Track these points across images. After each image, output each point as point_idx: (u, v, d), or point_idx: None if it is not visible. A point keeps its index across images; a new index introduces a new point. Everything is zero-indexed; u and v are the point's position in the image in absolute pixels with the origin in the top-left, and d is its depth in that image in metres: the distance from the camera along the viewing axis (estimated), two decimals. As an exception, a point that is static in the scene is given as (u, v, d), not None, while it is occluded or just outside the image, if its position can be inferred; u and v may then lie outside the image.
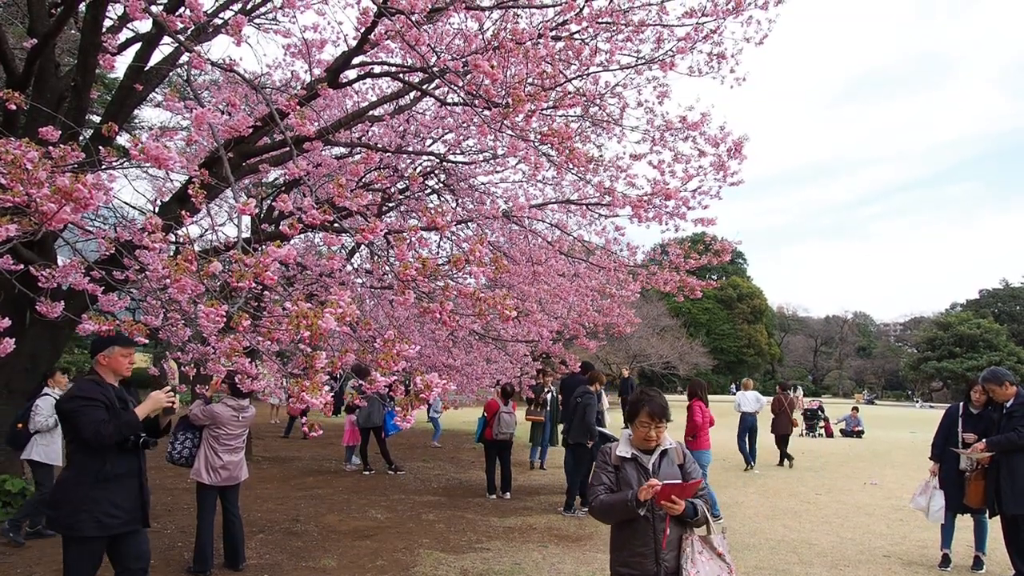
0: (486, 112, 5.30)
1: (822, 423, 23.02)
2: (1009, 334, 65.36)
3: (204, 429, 6.26)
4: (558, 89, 6.46)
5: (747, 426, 14.34)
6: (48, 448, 7.36)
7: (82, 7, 6.79)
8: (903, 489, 11.39)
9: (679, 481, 3.55)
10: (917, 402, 61.72)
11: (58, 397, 7.48)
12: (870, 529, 8.71)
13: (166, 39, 7.27)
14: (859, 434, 22.43)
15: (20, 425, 7.39)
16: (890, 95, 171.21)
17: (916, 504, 7.25)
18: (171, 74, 9.47)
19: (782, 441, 15.03)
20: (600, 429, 9.63)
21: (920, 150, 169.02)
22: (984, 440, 6.51)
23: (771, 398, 15.72)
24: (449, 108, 8.04)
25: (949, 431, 7.07)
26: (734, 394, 15.44)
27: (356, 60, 6.27)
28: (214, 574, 6.10)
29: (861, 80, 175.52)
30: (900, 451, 18.06)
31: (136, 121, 18.76)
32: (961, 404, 7.14)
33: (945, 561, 6.99)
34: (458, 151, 9.48)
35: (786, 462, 14.89)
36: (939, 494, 6.95)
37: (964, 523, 7.07)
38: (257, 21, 8.52)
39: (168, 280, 2.77)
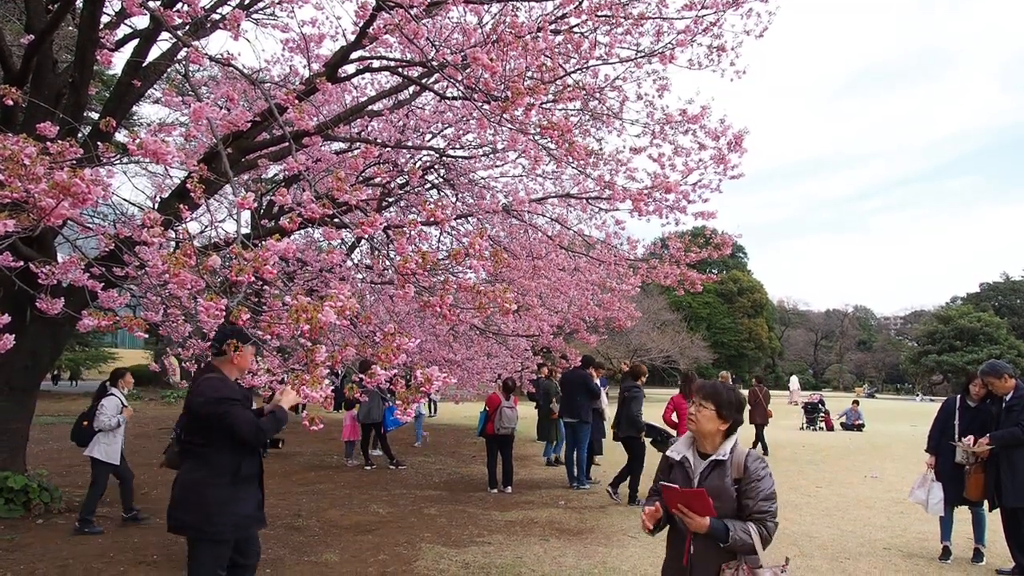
0: (485, 106, 5.29)
1: (822, 416, 23.05)
2: (1009, 327, 65.44)
3: None
4: (557, 83, 6.45)
5: None
6: (109, 447, 7.63)
7: (79, 3, 6.78)
8: (903, 482, 11.39)
9: (675, 486, 3.08)
10: (918, 395, 61.76)
11: (123, 397, 7.92)
12: (870, 522, 8.72)
13: (164, 35, 7.25)
14: (859, 427, 22.45)
15: (85, 423, 7.69)
16: (890, 89, 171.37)
17: (915, 498, 7.24)
18: (169, 70, 9.45)
19: (758, 429, 15.90)
20: (649, 422, 9.78)
21: (920, 144, 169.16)
22: (988, 435, 6.51)
23: (748, 390, 16.62)
24: (448, 103, 8.03)
25: (945, 424, 7.08)
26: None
27: (355, 55, 6.26)
28: (216, 569, 6.11)
29: (861, 74, 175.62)
30: (900, 444, 18.08)
31: (135, 118, 18.77)
32: (958, 397, 7.15)
33: (945, 553, 6.99)
34: (458, 146, 9.48)
35: (758, 448, 15.58)
36: (937, 487, 6.96)
37: (964, 515, 7.08)
38: (255, 16, 8.51)
39: (167, 275, 2.76)
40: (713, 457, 3.12)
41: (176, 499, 3.97)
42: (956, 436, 6.87)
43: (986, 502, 6.77)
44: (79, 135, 6.52)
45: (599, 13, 6.55)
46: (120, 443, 7.78)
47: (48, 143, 3.19)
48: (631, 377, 10.36)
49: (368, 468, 12.52)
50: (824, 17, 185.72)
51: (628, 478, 9.74)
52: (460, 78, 5.53)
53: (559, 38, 6.60)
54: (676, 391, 10.62)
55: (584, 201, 9.53)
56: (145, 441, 15.20)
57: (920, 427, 22.08)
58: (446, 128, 9.24)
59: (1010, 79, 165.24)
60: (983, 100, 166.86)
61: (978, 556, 6.89)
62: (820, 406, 23.33)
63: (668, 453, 3.25)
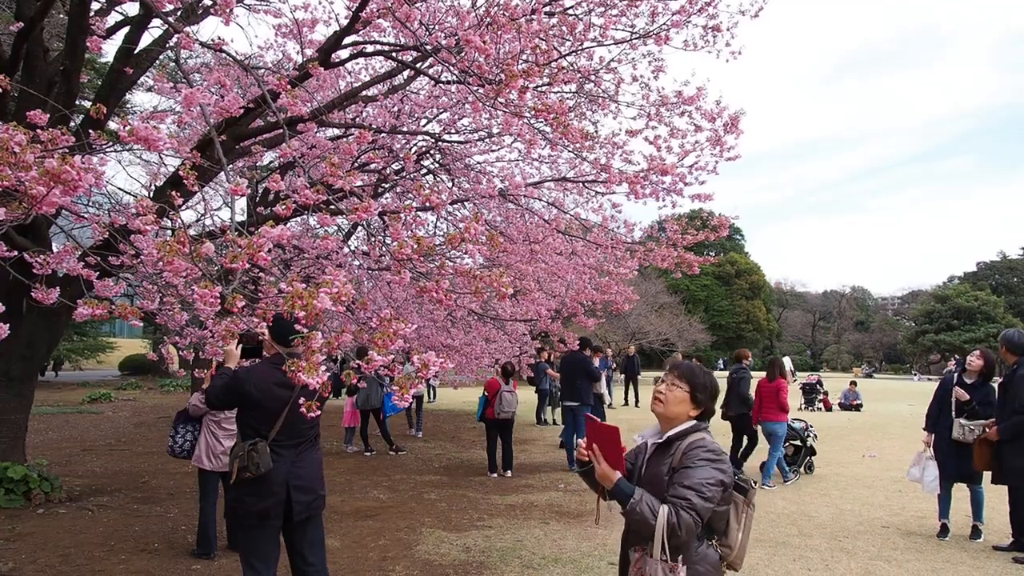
0: (479, 89, 5.25)
1: (821, 397, 23.16)
2: (1007, 306, 65.52)
3: (204, 416, 6.25)
4: (552, 65, 6.40)
5: None
6: None
7: (69, -11, 6.72)
8: (901, 461, 11.45)
9: (595, 419, 2.86)
10: (915, 375, 61.97)
11: None
12: (869, 500, 8.77)
13: (155, 21, 7.19)
14: (857, 407, 22.56)
15: None
16: (885, 69, 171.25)
17: (911, 476, 7.27)
18: (161, 57, 9.39)
19: None
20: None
21: (916, 125, 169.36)
22: (997, 427, 6.57)
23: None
24: (443, 87, 7.98)
25: (943, 401, 7.09)
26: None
27: (348, 39, 6.20)
28: (217, 556, 6.13)
29: (857, 54, 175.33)
30: (898, 423, 18.15)
31: (128, 106, 18.65)
32: (956, 375, 7.17)
33: (943, 531, 7.03)
34: (453, 130, 9.42)
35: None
36: (932, 465, 6.98)
37: (962, 493, 7.11)
38: (247, 2, 8.44)
39: (162, 263, 2.75)
40: (656, 440, 2.84)
41: (316, 478, 4.13)
42: (952, 410, 6.90)
43: (989, 475, 6.82)
44: (71, 123, 6.49)
45: (593, -6, 6.51)
46: None
47: (39, 131, 3.16)
48: (735, 360, 11.06)
49: (368, 454, 12.56)
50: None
51: (744, 454, 10.53)
52: (454, 62, 5.49)
53: (553, 20, 6.54)
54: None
55: (580, 184, 9.49)
56: (145, 430, 15.23)
57: (917, 406, 22.16)
58: (441, 113, 9.19)
59: (1003, 59, 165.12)
60: (977, 80, 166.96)
61: (976, 533, 6.94)
62: (818, 387, 23.42)
63: (635, 436, 3.00)
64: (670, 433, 2.80)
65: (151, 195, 7.24)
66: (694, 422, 2.82)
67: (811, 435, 10.79)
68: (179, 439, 6.21)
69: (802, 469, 10.53)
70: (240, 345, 4.26)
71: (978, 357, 6.99)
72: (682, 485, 2.60)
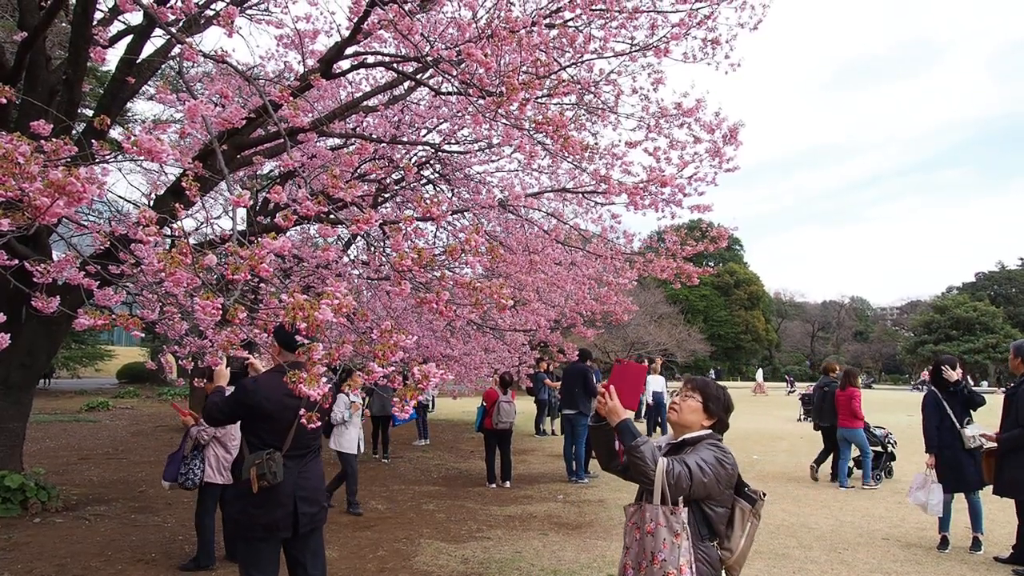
0: (480, 101, 5.27)
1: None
2: (1005, 316, 65.63)
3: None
4: (552, 77, 6.43)
5: (658, 401, 17.40)
6: (341, 438, 8.65)
7: (72, -1, 6.75)
8: (901, 471, 11.43)
9: (626, 360, 2.95)
10: (914, 385, 61.96)
11: (352, 396, 8.56)
12: (869, 512, 8.75)
13: (157, 31, 7.22)
14: (857, 418, 22.55)
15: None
16: (882, 79, 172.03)
17: (915, 499, 7.15)
18: (163, 66, 9.43)
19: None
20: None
21: (914, 135, 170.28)
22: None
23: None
24: (444, 98, 8.00)
25: (940, 419, 7.06)
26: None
27: (349, 50, 6.23)
28: (216, 567, 6.11)
29: (854, 64, 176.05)
30: (897, 434, 18.07)
31: (130, 115, 18.69)
32: (935, 390, 7.17)
33: (944, 543, 7.02)
34: (453, 141, 9.45)
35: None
36: (937, 488, 6.92)
37: (961, 504, 7.10)
38: (249, 12, 8.48)
39: (164, 274, 2.75)
40: (671, 441, 2.97)
41: (320, 489, 4.15)
42: (957, 423, 6.89)
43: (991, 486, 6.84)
44: (73, 133, 6.51)
45: (593, 7, 6.53)
46: (355, 435, 8.66)
47: (42, 141, 3.17)
48: (823, 372, 11.81)
49: (384, 459, 12.57)
50: (816, 6, 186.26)
51: (828, 459, 11.24)
52: (455, 73, 5.51)
53: (553, 32, 6.57)
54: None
55: (580, 195, 9.52)
56: (143, 439, 15.19)
57: (916, 417, 22.01)
58: (441, 123, 9.22)
59: (1001, 69, 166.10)
60: (974, 90, 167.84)
61: (976, 545, 6.92)
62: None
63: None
64: (684, 436, 2.94)
65: (151, 204, 7.25)
66: (708, 431, 2.95)
67: (891, 441, 11.40)
68: (191, 473, 6.06)
69: (883, 474, 11.14)
70: (228, 368, 4.33)
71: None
72: (689, 453, 2.80)
